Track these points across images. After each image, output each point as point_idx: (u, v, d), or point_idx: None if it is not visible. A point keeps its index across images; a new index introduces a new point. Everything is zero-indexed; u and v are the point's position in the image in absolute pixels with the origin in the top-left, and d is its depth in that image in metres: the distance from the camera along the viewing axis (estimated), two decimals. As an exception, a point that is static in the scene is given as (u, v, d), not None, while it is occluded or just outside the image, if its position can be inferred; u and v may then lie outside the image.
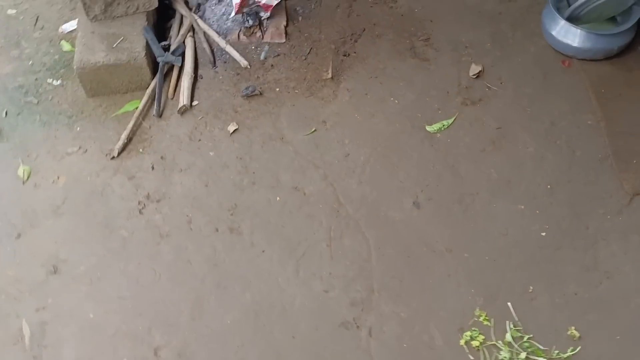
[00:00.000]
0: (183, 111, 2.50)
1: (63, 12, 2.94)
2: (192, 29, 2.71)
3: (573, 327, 1.92)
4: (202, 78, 2.62)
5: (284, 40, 2.70)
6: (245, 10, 2.68)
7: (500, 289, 2.01)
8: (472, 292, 2.01)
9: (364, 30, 2.76)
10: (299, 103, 2.52)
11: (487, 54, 2.65)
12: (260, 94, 2.55)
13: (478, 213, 2.19)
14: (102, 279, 2.08)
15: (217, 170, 2.33)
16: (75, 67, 2.47)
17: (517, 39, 2.71)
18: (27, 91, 2.62)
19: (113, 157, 2.38)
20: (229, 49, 2.65)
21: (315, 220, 2.19)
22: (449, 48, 2.68)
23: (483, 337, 1.90)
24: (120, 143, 2.40)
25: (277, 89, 2.57)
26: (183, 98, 2.50)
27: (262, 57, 2.66)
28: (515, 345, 1.88)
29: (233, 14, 2.67)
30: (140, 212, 2.23)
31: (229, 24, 2.74)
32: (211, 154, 2.39)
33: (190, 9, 2.76)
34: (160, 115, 2.50)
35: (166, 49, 2.61)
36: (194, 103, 2.54)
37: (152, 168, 2.35)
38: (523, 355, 1.85)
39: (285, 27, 2.73)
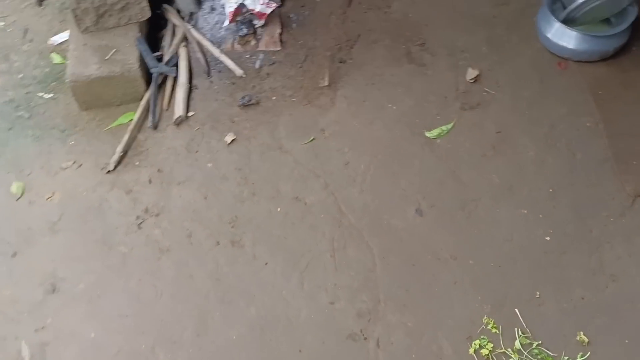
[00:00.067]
0: (179, 122, 2.47)
1: (52, 24, 2.89)
2: (185, 38, 2.68)
3: (582, 332, 1.91)
4: (197, 88, 2.59)
5: (279, 48, 2.68)
6: (239, 18, 2.65)
7: (507, 295, 1.99)
8: (479, 300, 1.99)
9: (359, 36, 2.74)
10: (296, 112, 2.50)
11: (483, 58, 2.64)
12: (257, 103, 2.52)
13: (481, 219, 2.17)
14: (102, 297, 2.03)
15: (216, 182, 2.30)
16: (67, 80, 2.42)
17: (512, 42, 2.70)
18: (18, 105, 2.57)
19: (109, 171, 2.33)
20: (224, 58, 2.62)
21: (318, 231, 2.16)
22: (445, 53, 2.67)
23: (492, 345, 1.88)
24: (115, 156, 2.35)
25: (274, 98, 2.54)
26: (178, 109, 2.47)
27: (257, 66, 2.63)
28: (525, 353, 1.87)
29: (227, 22, 2.64)
30: (139, 227, 2.19)
31: (222, 33, 2.70)
32: (209, 165, 2.35)
33: (182, 19, 2.72)
34: (155, 127, 2.46)
35: (159, 59, 2.58)
36: (190, 114, 2.50)
37: (150, 181, 2.31)
38: (533, 362, 1.84)
39: (280, 34, 2.71)
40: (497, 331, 1.92)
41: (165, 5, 2.73)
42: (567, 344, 1.90)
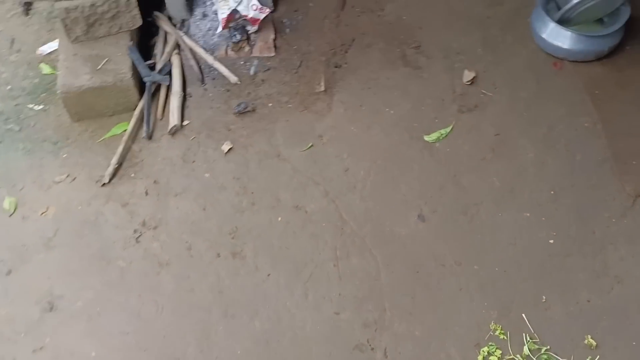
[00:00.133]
0: (174, 132, 2.42)
1: (40, 34, 2.83)
2: (177, 46, 2.63)
3: (589, 336, 1.90)
4: (191, 96, 2.54)
5: (273, 54, 2.64)
6: (231, 25, 2.61)
7: (514, 300, 1.98)
8: (486, 306, 1.97)
9: (354, 40, 2.71)
10: (293, 118, 2.46)
11: (479, 60, 2.63)
12: (253, 110, 2.48)
13: (484, 223, 2.16)
14: (101, 314, 1.99)
15: (214, 192, 2.26)
16: (58, 91, 2.37)
17: (507, 43, 2.69)
18: (8, 118, 2.51)
19: (104, 184, 2.28)
20: (217, 65, 2.58)
21: (320, 240, 2.13)
22: (440, 55, 2.65)
23: (500, 351, 1.87)
24: (110, 168, 2.30)
25: (270, 104, 2.51)
26: (173, 118, 2.42)
27: (251, 72, 2.59)
28: (534, 359, 1.85)
29: (220, 29, 2.59)
30: (136, 240, 2.14)
31: (215, 40, 2.66)
32: (207, 175, 2.31)
33: (174, 26, 2.68)
34: (150, 137, 2.42)
35: (152, 68, 2.53)
36: (185, 123, 2.46)
37: (146, 193, 2.26)
38: (542, 368, 1.83)
39: (274, 40, 2.67)
40: (505, 337, 1.90)
41: (156, 13, 2.68)
42: (575, 348, 1.88)
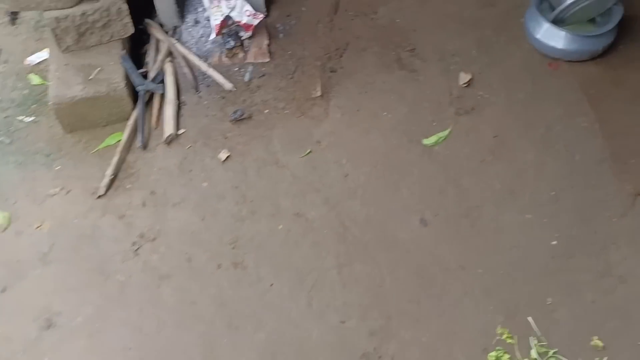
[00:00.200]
0: (169, 141, 2.38)
1: (28, 44, 2.78)
2: (170, 53, 2.59)
3: (596, 337, 1.89)
4: (185, 104, 2.51)
5: (267, 60, 2.61)
6: (224, 31, 2.57)
7: (519, 303, 1.97)
8: (491, 310, 1.96)
9: (348, 44, 2.69)
10: (290, 124, 2.44)
11: (474, 62, 2.62)
12: (249, 117, 2.45)
13: (486, 226, 2.15)
14: (102, 330, 1.94)
15: (213, 202, 2.22)
16: (50, 102, 2.32)
17: (501, 44, 2.69)
18: (-2, 131, 2.46)
19: (100, 196, 2.24)
20: (212, 72, 2.55)
21: (322, 248, 2.10)
22: (435, 57, 2.64)
23: (509, 356, 1.85)
24: (105, 180, 2.26)
25: (266, 111, 2.48)
26: (168, 127, 2.39)
27: (246, 79, 2.56)
28: (542, 362, 1.85)
29: (213, 35, 2.56)
30: (135, 253, 2.10)
31: (208, 46, 2.63)
32: (204, 184, 2.27)
33: (166, 33, 2.64)
34: (145, 147, 2.38)
35: (145, 76, 2.49)
36: (180, 131, 2.42)
37: (143, 205, 2.22)
38: (551, 371, 1.82)
39: (268, 45, 2.64)
40: (512, 341, 1.89)
41: (148, 20, 2.64)
42: (582, 349, 1.88)
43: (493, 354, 1.86)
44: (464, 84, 2.53)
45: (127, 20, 2.40)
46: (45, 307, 1.99)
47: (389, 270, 2.05)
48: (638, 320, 1.93)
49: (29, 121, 2.49)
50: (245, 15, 2.53)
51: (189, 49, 2.61)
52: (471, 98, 2.50)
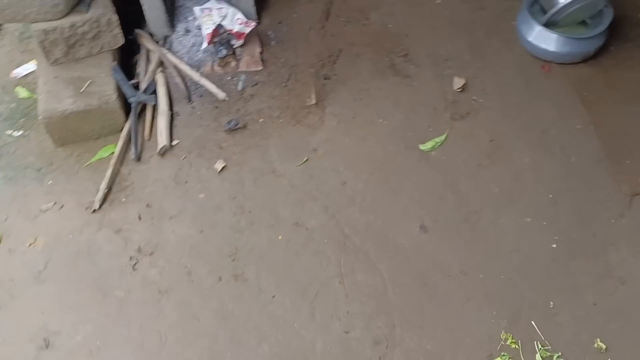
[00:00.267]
0: (163, 152, 2.35)
1: (13, 56, 2.73)
2: (161, 63, 2.56)
3: (599, 339, 1.90)
4: (178, 115, 2.47)
5: (260, 68, 2.59)
6: (216, 40, 2.55)
7: (522, 308, 1.97)
8: (495, 315, 1.96)
9: (341, 50, 2.68)
10: (285, 132, 2.42)
11: (467, 66, 2.62)
12: (244, 126, 2.42)
13: (486, 230, 2.15)
14: (102, 349, 1.90)
15: (211, 213, 2.19)
16: (40, 117, 2.27)
17: (494, 47, 2.70)
18: (-14, 146, 2.41)
19: (94, 210, 2.20)
20: (204, 81, 2.52)
21: (323, 257, 2.08)
22: (429, 62, 2.64)
23: (514, 361, 1.85)
24: (100, 194, 2.22)
25: (261, 120, 2.46)
26: (162, 138, 2.35)
27: (239, 88, 2.54)
28: (548, 366, 1.85)
29: (205, 44, 2.53)
30: (133, 268, 2.07)
31: (200, 56, 2.60)
32: (201, 196, 2.24)
33: (157, 43, 2.60)
34: (139, 159, 2.34)
35: (136, 87, 2.45)
36: (174, 142, 2.39)
37: (139, 218, 2.19)
38: (556, 375, 1.82)
39: (260, 53, 2.62)
40: (517, 346, 1.89)
41: (138, 30, 2.60)
42: (586, 352, 1.88)
43: (498, 359, 1.85)
44: (458, 88, 2.53)
45: (117, 31, 2.37)
46: (43, 327, 1.95)
47: (391, 278, 2.03)
48: (639, 321, 1.94)
49: (18, 135, 2.44)
50: (237, 23, 2.51)
51: (180, 58, 2.58)
52: (466, 102, 2.50)
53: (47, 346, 1.91)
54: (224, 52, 2.54)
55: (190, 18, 2.67)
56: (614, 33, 2.65)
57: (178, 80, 2.52)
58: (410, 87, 2.56)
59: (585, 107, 2.46)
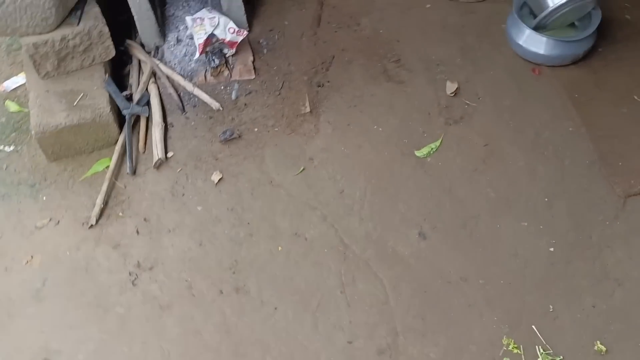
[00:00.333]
0: (159, 165, 2.33)
1: (0, 69, 2.68)
2: (153, 74, 2.54)
3: (599, 342, 1.92)
4: (172, 126, 2.46)
5: (253, 77, 2.58)
6: (208, 49, 2.53)
7: (522, 312, 1.99)
8: (496, 320, 1.97)
9: (334, 57, 2.68)
10: (281, 142, 2.41)
11: (459, 70, 2.64)
12: (239, 136, 2.42)
13: (484, 236, 2.16)
14: (105, 367, 1.89)
15: (209, 226, 2.19)
16: (33, 132, 2.24)
17: (484, 51, 2.72)
18: (-23, 163, 2.37)
19: (91, 226, 2.18)
20: (197, 91, 2.50)
21: (324, 267, 2.09)
22: (421, 67, 2.65)
23: (517, 366, 1.88)
24: (96, 209, 2.20)
25: (256, 129, 2.45)
26: (157, 151, 2.33)
27: (233, 97, 2.53)
28: (550, 370, 1.87)
29: (197, 55, 2.51)
30: (133, 283, 2.05)
31: (192, 65, 2.58)
32: (199, 208, 2.23)
33: (148, 53, 2.58)
34: (134, 172, 2.32)
35: (129, 99, 2.43)
36: (169, 154, 2.38)
37: (137, 232, 2.17)
38: (558, 378, 1.85)
39: (253, 62, 2.61)
40: (519, 351, 1.91)
41: (129, 41, 2.57)
42: (587, 355, 1.91)
43: (501, 365, 1.88)
44: (451, 93, 2.55)
45: (109, 42, 2.34)
46: (43, 347, 1.93)
47: (392, 287, 2.05)
48: (638, 322, 1.97)
49: (10, 151, 2.41)
50: (229, 32, 2.50)
51: (172, 68, 2.56)
52: (459, 107, 2.52)
53: (48, 366, 1.89)
54: (217, 61, 2.53)
55: (181, 27, 2.65)
56: (602, 34, 2.68)
57: (171, 90, 2.50)
58: (403, 92, 2.57)
59: (577, 109, 2.49)
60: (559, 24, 2.61)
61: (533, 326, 1.96)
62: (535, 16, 2.59)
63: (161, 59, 2.59)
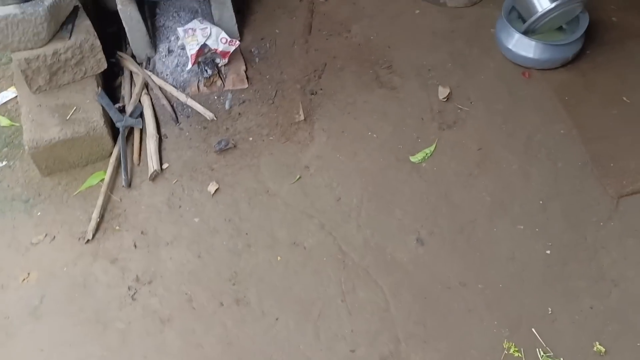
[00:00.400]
0: (154, 177, 2.32)
1: (-10, 83, 2.65)
2: (146, 85, 2.53)
3: (597, 342, 1.95)
4: (167, 137, 2.45)
5: (246, 86, 2.58)
6: (201, 59, 2.52)
7: (522, 315, 2.01)
8: (496, 324, 1.99)
9: (326, 65, 2.69)
10: (276, 150, 2.41)
11: (450, 75, 2.66)
12: (234, 146, 2.41)
13: (481, 240, 2.18)
14: (106, 383, 1.88)
15: (207, 237, 2.18)
16: (26, 147, 2.22)
17: (474, 55, 2.74)
18: (-31, 179, 2.34)
19: (88, 241, 2.16)
20: (191, 102, 2.50)
21: (323, 276, 2.09)
22: (412, 73, 2.67)
23: (518, 369, 1.89)
24: (92, 223, 2.18)
25: (251, 139, 2.45)
26: (152, 163, 2.32)
27: (227, 107, 2.52)
28: (551, 372, 1.89)
29: (189, 65, 2.50)
30: (132, 298, 2.04)
31: (185, 76, 2.57)
32: (196, 220, 2.23)
33: (140, 64, 2.57)
34: (129, 185, 2.31)
35: (122, 111, 2.42)
36: (164, 166, 2.37)
37: (135, 246, 2.16)
38: (559, 380, 1.87)
39: (245, 71, 2.61)
40: (520, 354, 1.93)
41: (120, 53, 2.56)
42: (586, 356, 1.93)
43: (503, 369, 1.89)
44: (444, 98, 2.57)
45: (100, 55, 2.33)
46: (43, 364, 1.91)
47: (392, 294, 2.05)
48: (635, 322, 2.00)
49: (2, 166, 2.38)
50: (222, 42, 2.49)
51: (164, 79, 2.55)
52: (452, 112, 2.54)
53: (49, 384, 1.88)
54: (209, 71, 2.52)
55: (172, 38, 2.64)
56: (590, 37, 2.72)
57: (164, 101, 2.49)
58: (396, 98, 2.58)
59: (567, 112, 2.52)
60: (548, 28, 2.65)
61: (533, 329, 1.98)
62: (524, 20, 2.62)
63: (153, 70, 2.58)
